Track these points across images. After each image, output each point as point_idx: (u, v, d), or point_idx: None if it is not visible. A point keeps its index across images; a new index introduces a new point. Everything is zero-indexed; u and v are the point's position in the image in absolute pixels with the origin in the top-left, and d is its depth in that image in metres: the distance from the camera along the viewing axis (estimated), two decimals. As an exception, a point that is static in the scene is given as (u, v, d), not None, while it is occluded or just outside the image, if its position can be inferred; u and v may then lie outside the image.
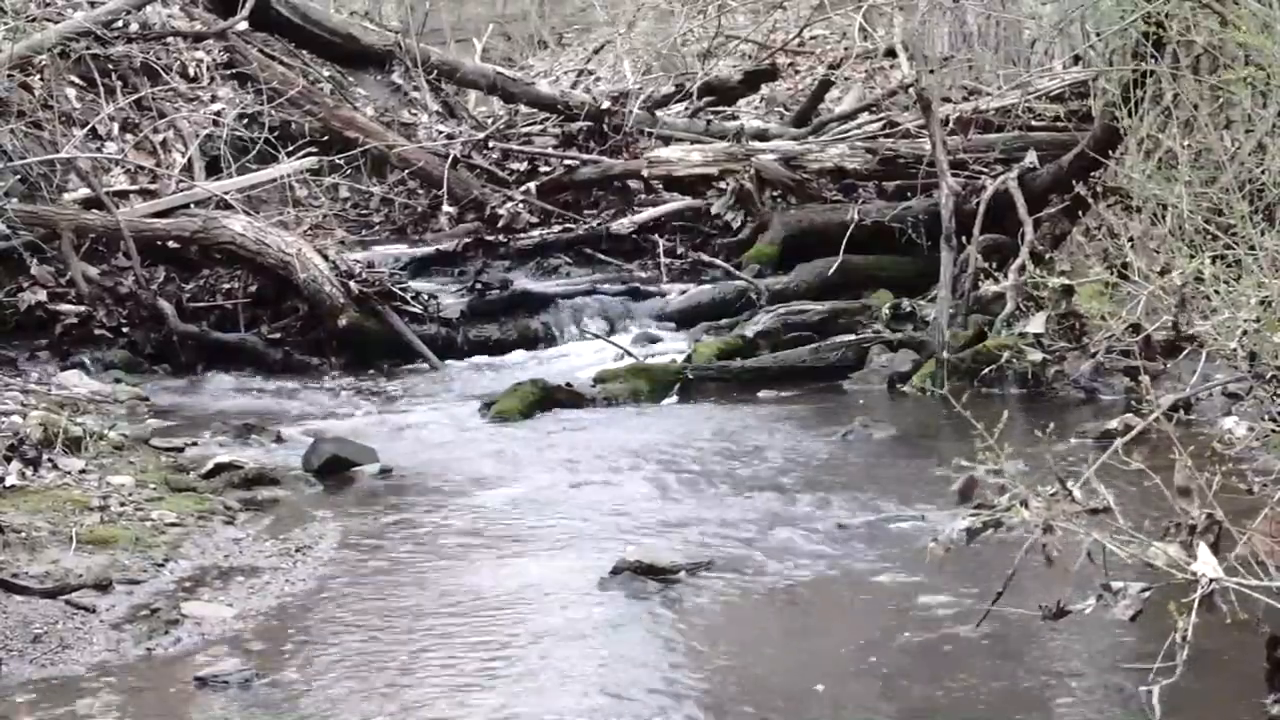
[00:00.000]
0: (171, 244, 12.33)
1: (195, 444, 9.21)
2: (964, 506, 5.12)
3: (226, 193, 12.83)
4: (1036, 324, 9.69)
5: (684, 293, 12.73)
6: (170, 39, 14.79)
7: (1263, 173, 7.48)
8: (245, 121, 14.02)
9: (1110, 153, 10.54)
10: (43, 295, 11.66)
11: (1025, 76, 14.57)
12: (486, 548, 7.46)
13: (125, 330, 11.73)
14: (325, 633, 6.35)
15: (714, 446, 9.24)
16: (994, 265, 10.49)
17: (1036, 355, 9.83)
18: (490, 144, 14.65)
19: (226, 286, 12.23)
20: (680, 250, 13.46)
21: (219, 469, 8.47)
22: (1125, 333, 7.57)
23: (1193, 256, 6.69)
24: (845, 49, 15.61)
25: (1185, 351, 7.30)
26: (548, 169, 14.53)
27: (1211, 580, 4.38)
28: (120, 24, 14.30)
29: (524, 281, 12.90)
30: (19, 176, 12.16)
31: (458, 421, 10.06)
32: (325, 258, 11.97)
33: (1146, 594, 4.90)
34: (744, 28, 18.35)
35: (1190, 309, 6.68)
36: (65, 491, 7.88)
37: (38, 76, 13.10)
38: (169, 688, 5.80)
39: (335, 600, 6.76)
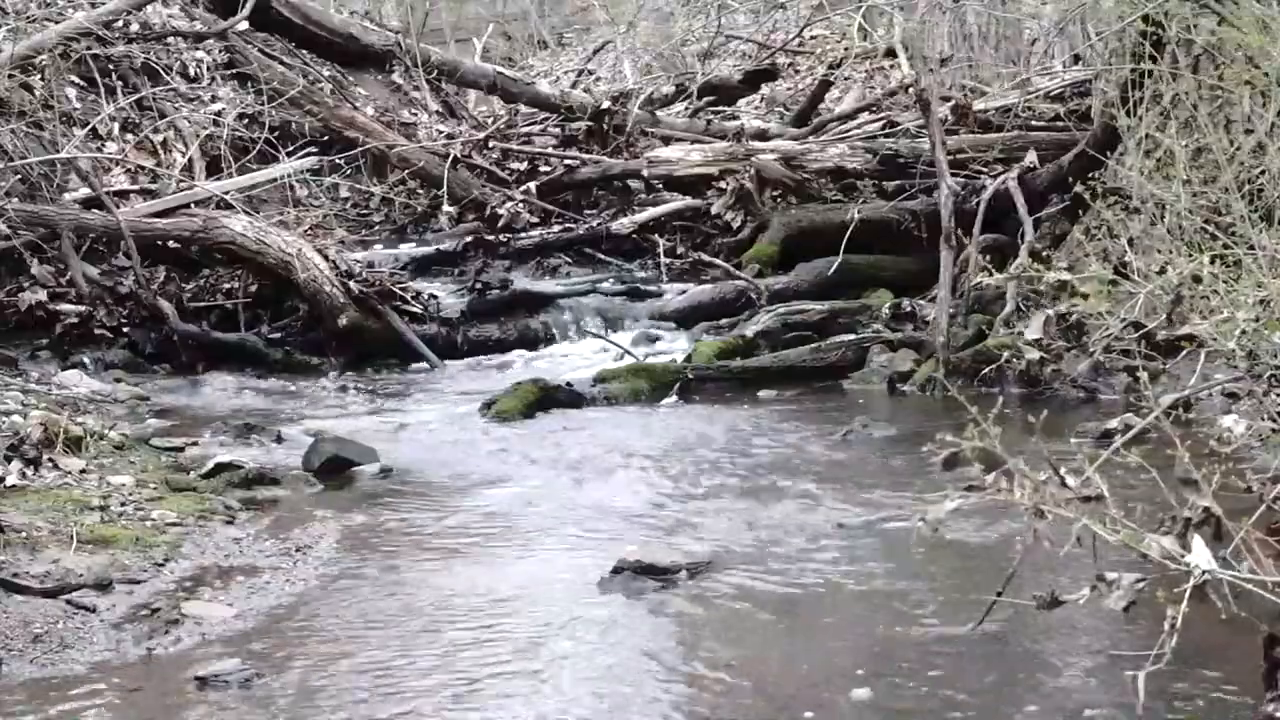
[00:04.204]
0: (172, 244, 12.34)
1: (195, 444, 9.21)
2: (953, 487, 5.10)
3: (226, 193, 12.84)
4: (1034, 328, 9.68)
5: (684, 293, 12.74)
6: (170, 39, 14.80)
7: (1262, 173, 7.48)
8: (245, 121, 14.03)
9: (1110, 152, 10.54)
10: (43, 295, 11.66)
11: (1025, 76, 14.57)
12: (486, 547, 7.47)
13: (125, 330, 11.73)
14: (325, 632, 6.36)
15: (714, 446, 9.25)
16: (994, 265, 10.49)
17: (1035, 354, 9.83)
18: (490, 144, 14.65)
19: (227, 286, 12.25)
20: (680, 250, 13.47)
21: (219, 469, 8.47)
22: (1124, 332, 7.57)
23: (1192, 256, 6.69)
24: (845, 49, 15.60)
25: (1185, 351, 7.30)
26: (548, 169, 14.53)
27: (1205, 572, 4.38)
28: (120, 24, 14.30)
29: (524, 281, 12.92)
30: (19, 176, 12.17)
31: (458, 421, 10.06)
32: (325, 258, 11.98)
33: (1140, 585, 4.90)
34: (744, 28, 18.34)
35: (1186, 307, 6.68)
36: (65, 491, 7.89)
37: (38, 76, 13.09)
38: (169, 687, 5.81)
39: (335, 600, 6.76)
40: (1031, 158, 12.36)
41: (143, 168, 13.38)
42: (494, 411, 10.08)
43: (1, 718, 5.52)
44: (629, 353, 11.56)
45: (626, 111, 14.80)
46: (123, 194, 12.92)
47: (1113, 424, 7.79)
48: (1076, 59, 14.61)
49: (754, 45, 18.00)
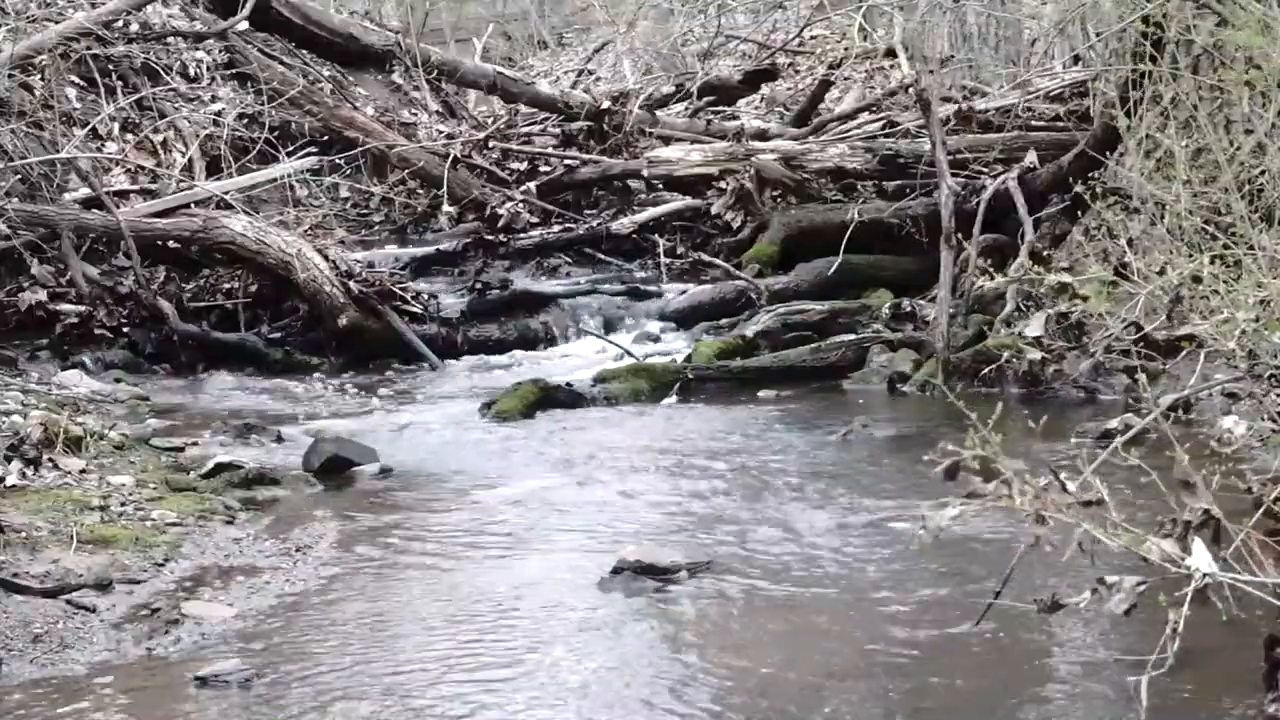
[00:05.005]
0: (172, 244, 12.34)
1: (195, 444, 9.22)
2: (953, 492, 5.11)
3: (226, 193, 12.84)
4: (1035, 327, 9.69)
5: (684, 293, 12.75)
6: (170, 39, 14.80)
7: (1262, 173, 7.48)
8: (245, 121, 14.03)
9: (1110, 153, 10.54)
10: (43, 295, 11.66)
11: (1025, 76, 14.58)
12: (486, 547, 7.47)
13: (125, 330, 11.73)
14: (325, 632, 6.36)
15: (714, 446, 9.25)
16: (994, 265, 10.49)
17: (1035, 354, 9.83)
18: (490, 144, 14.65)
19: (227, 286, 12.25)
20: (680, 250, 13.48)
21: (219, 469, 8.47)
22: (1125, 332, 7.58)
23: (1192, 256, 6.69)
24: (845, 49, 15.60)
25: (1185, 351, 7.30)
26: (548, 169, 14.53)
27: (1205, 575, 4.38)
28: (120, 24, 14.30)
29: (524, 281, 12.93)
30: (19, 176, 12.17)
31: (458, 421, 10.06)
32: (325, 258, 11.98)
33: (1141, 588, 4.90)
34: (744, 28, 18.35)
35: (1186, 307, 6.68)
36: (66, 491, 7.89)
37: (38, 76, 13.10)
38: (169, 688, 5.81)
39: (335, 600, 6.76)
40: (1031, 158, 12.37)
41: (143, 168, 13.38)
42: (494, 411, 10.08)
43: (1, 717, 5.52)
44: (629, 353, 11.57)
45: (626, 111, 14.79)
46: (123, 194, 12.92)
47: (1113, 424, 7.79)
48: (1076, 59, 14.60)
49: (754, 45, 18.00)
